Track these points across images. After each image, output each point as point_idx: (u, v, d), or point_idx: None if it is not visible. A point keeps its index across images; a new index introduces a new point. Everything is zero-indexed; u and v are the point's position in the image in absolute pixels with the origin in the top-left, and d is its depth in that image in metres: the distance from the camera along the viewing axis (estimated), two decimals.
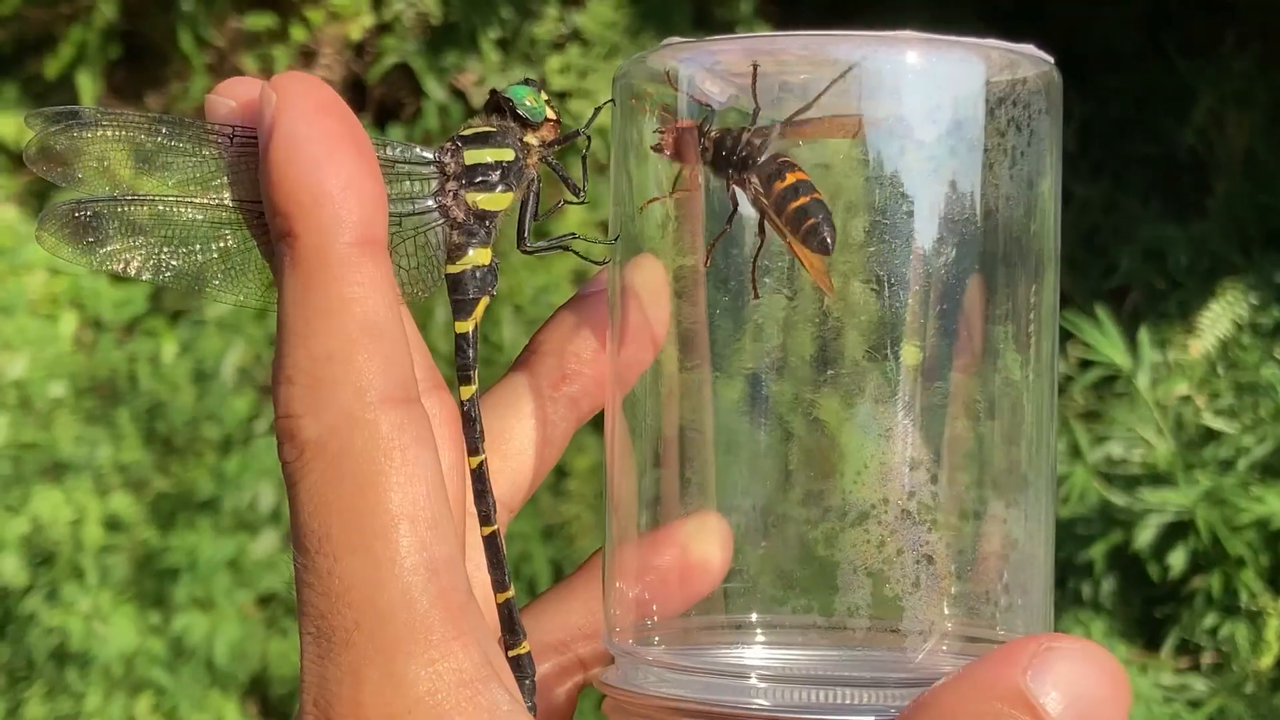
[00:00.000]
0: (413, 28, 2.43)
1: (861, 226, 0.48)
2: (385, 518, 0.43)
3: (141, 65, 2.58)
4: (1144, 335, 1.99)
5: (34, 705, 2.07)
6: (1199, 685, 1.91)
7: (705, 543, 0.50)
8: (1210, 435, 2.01)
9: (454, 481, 0.49)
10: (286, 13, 2.50)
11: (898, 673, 0.46)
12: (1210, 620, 1.93)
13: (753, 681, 0.47)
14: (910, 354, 0.47)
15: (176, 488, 2.19)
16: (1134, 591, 1.99)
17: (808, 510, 0.49)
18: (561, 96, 2.31)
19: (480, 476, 0.50)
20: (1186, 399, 2.03)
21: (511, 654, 0.50)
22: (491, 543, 0.51)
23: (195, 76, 2.49)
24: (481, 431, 0.50)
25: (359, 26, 2.42)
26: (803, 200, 0.48)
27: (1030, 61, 0.48)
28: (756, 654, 0.50)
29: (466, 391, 0.50)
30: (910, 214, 0.47)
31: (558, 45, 2.45)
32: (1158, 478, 1.95)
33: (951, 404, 0.48)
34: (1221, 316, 2.09)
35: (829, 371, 0.48)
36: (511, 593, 0.51)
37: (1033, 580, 0.49)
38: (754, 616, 0.50)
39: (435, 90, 2.39)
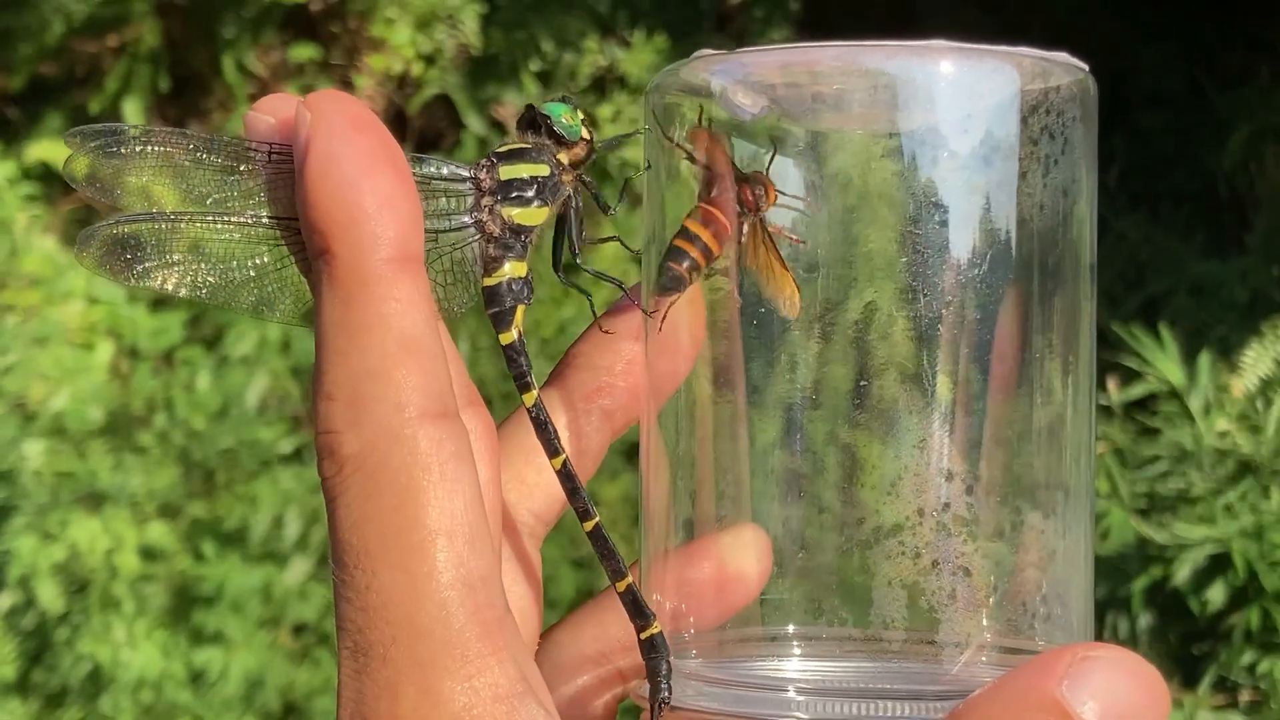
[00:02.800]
0: (454, 59, 2.45)
1: (895, 237, 0.47)
2: (423, 533, 0.43)
3: (185, 95, 2.60)
4: (1205, 357, 1.98)
5: None
6: None
7: (743, 555, 0.50)
8: (1249, 469, 2.00)
9: (491, 496, 0.49)
10: (329, 44, 2.51)
11: (935, 684, 0.46)
12: (1248, 657, 1.91)
13: (790, 694, 0.47)
14: (945, 365, 0.47)
15: (210, 515, 2.19)
16: (1172, 628, 1.98)
17: (843, 522, 0.49)
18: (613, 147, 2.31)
19: (568, 475, 0.50)
20: (1226, 434, 2.02)
21: (644, 636, 0.49)
22: (597, 536, 0.50)
23: (239, 106, 2.51)
24: (556, 432, 0.50)
25: (401, 58, 2.43)
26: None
27: (1063, 69, 0.48)
28: (793, 666, 0.50)
29: (529, 398, 0.50)
30: (944, 224, 0.47)
31: (599, 81, 2.46)
32: (1198, 511, 1.94)
33: (987, 415, 0.48)
34: (1264, 355, 2.08)
35: (863, 383, 0.48)
36: (630, 579, 0.50)
37: (1073, 591, 0.49)
38: (791, 629, 0.50)
39: (474, 122, 2.40)
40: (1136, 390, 2.06)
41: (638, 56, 2.43)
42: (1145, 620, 1.96)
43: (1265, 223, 2.32)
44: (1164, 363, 1.94)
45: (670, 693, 0.48)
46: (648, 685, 0.49)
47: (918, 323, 0.47)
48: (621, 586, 0.50)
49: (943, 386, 0.47)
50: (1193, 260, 2.29)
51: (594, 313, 0.53)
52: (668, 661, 0.49)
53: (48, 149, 2.42)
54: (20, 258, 2.34)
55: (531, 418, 0.50)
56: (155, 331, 2.32)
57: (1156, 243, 2.33)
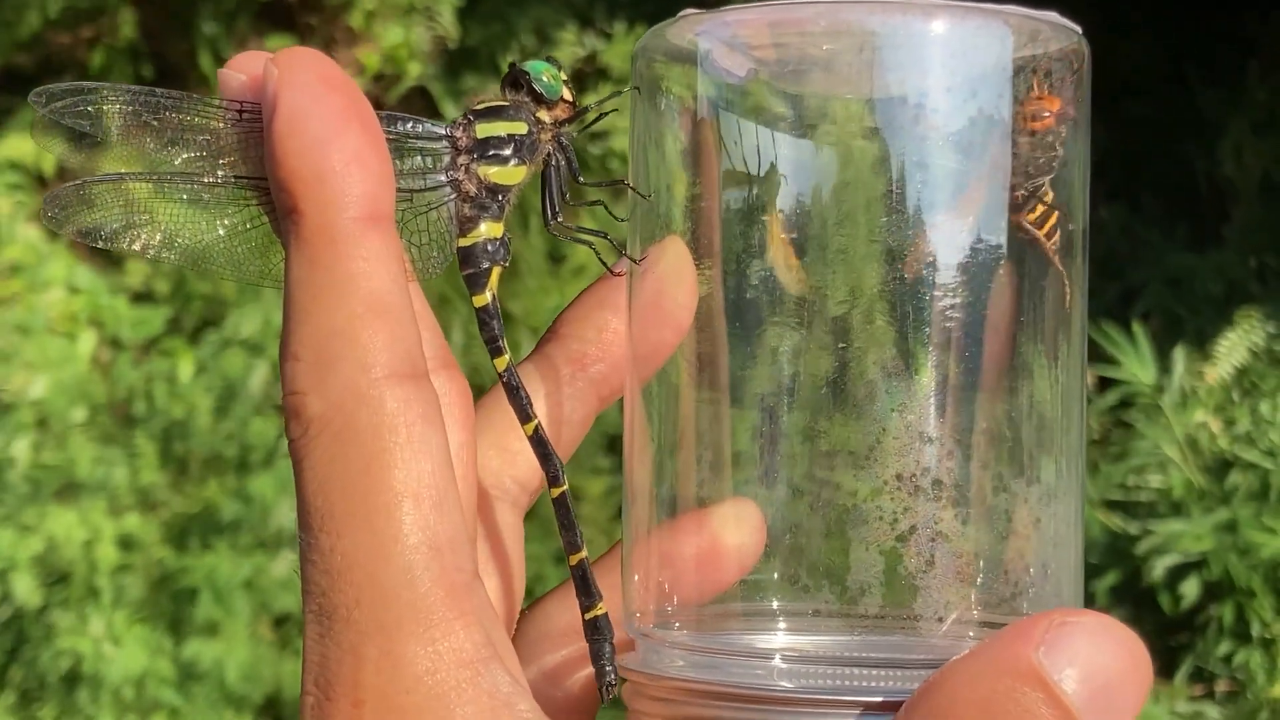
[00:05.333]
0: (430, 51, 2.44)
1: (879, 201, 0.47)
2: (388, 495, 0.43)
3: (161, 87, 2.59)
4: (1179, 353, 1.99)
5: None
6: (1213, 713, 1.90)
7: (739, 529, 0.50)
8: (1225, 464, 2.00)
9: (464, 461, 0.48)
10: (305, 35, 2.51)
11: (918, 653, 0.46)
12: (1224, 648, 1.92)
13: (775, 663, 0.47)
14: (928, 331, 0.47)
15: (192, 508, 2.18)
16: (1148, 619, 1.98)
17: (823, 489, 0.48)
18: (597, 138, 2.30)
19: (539, 440, 0.50)
20: (1202, 425, 2.02)
21: (588, 616, 0.49)
22: (561, 504, 0.50)
23: (214, 98, 2.50)
24: (528, 397, 0.50)
25: (377, 50, 2.42)
26: None
27: (1055, 31, 0.48)
28: (778, 637, 0.49)
29: (501, 362, 0.50)
30: (929, 188, 0.47)
31: (579, 74, 2.45)
32: (1173, 506, 1.94)
33: (971, 382, 0.47)
34: (1238, 345, 2.09)
35: (842, 346, 0.48)
36: (584, 553, 0.50)
37: (1060, 561, 0.48)
38: (774, 598, 0.50)
39: (452, 112, 2.40)
40: (1110, 397, 2.06)
41: (619, 48, 2.42)
42: (1120, 613, 1.97)
43: (1243, 215, 2.33)
44: (1137, 364, 1.94)
45: (616, 675, 0.48)
46: (630, 656, 0.49)
47: (901, 287, 0.47)
48: (574, 560, 0.50)
49: (924, 352, 0.47)
50: (1171, 252, 2.30)
51: (603, 263, 0.52)
52: (610, 644, 0.49)
53: (18, 145, 2.40)
54: (2, 246, 2.33)
55: (503, 382, 0.50)
56: (137, 322, 2.31)
57: (1135, 234, 2.33)
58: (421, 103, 2.47)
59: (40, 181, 2.43)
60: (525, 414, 0.50)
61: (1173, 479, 1.96)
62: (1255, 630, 1.89)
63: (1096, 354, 2.00)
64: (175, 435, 2.21)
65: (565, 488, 0.50)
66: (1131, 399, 2.07)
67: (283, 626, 2.16)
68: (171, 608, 2.10)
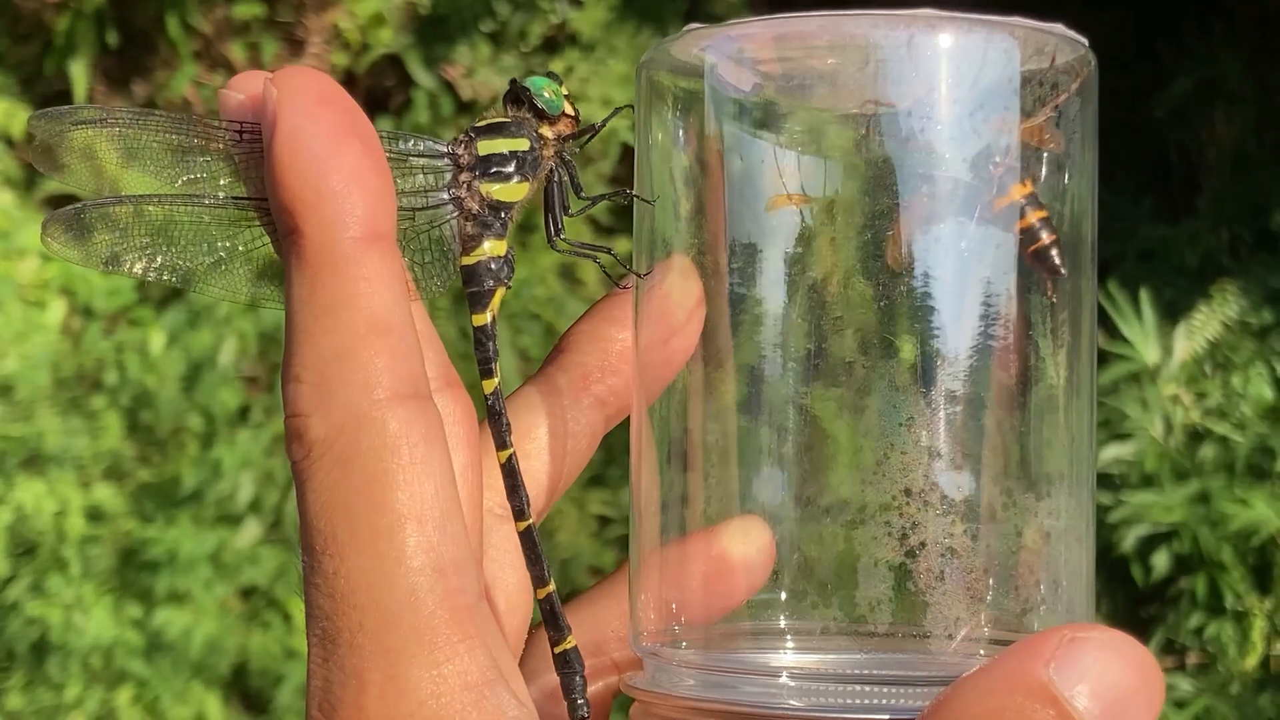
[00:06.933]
0: (402, 18, 2.43)
1: (885, 211, 0.47)
2: (391, 517, 0.42)
3: (129, 54, 2.57)
4: (1180, 330, 1.99)
5: (14, 696, 2.06)
6: (1185, 685, 1.91)
7: (747, 546, 0.49)
8: (1197, 436, 2.01)
9: (469, 481, 0.48)
10: (275, 0, 2.49)
11: (928, 671, 0.45)
12: (1196, 621, 1.93)
13: (784, 681, 0.47)
14: (935, 343, 0.46)
15: (159, 479, 2.18)
16: (1120, 591, 1.99)
17: (831, 505, 0.48)
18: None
19: (511, 471, 0.50)
20: (1174, 399, 2.03)
21: (558, 650, 0.49)
22: (527, 538, 0.50)
23: (182, 64, 2.48)
24: (509, 425, 0.50)
25: (348, 16, 2.41)
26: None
27: (1062, 43, 0.47)
28: (786, 655, 0.49)
29: (489, 385, 0.50)
30: (934, 198, 0.46)
31: (551, 41, 2.44)
32: (1145, 478, 1.95)
33: (979, 395, 0.47)
34: (1211, 318, 2.09)
35: (849, 361, 0.48)
36: (552, 587, 0.50)
37: (1071, 575, 0.48)
38: (782, 616, 0.49)
39: (424, 78, 2.39)
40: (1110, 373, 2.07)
41: (590, 14, 2.41)
42: None
43: (1215, 187, 2.33)
44: (1142, 339, 1.94)
45: (589, 709, 0.48)
46: (638, 675, 0.49)
47: (907, 299, 0.47)
48: (542, 594, 0.50)
49: (932, 366, 0.47)
50: (1143, 224, 2.30)
51: (608, 275, 0.52)
52: (581, 677, 0.49)
53: None
54: None
55: (487, 406, 0.50)
56: (109, 291, 2.29)
57: (1107, 207, 2.33)
58: (394, 72, 2.46)
59: (8, 143, 2.41)
60: (502, 441, 0.50)
61: (1145, 454, 1.96)
62: (1228, 602, 1.90)
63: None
64: (142, 405, 2.20)
65: (530, 521, 0.50)
66: (1104, 369, 2.07)
67: (250, 598, 2.16)
68: (137, 578, 2.10)
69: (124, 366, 2.22)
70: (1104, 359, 2.08)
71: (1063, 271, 0.48)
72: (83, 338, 2.28)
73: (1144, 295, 1.99)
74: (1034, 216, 0.47)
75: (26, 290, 2.27)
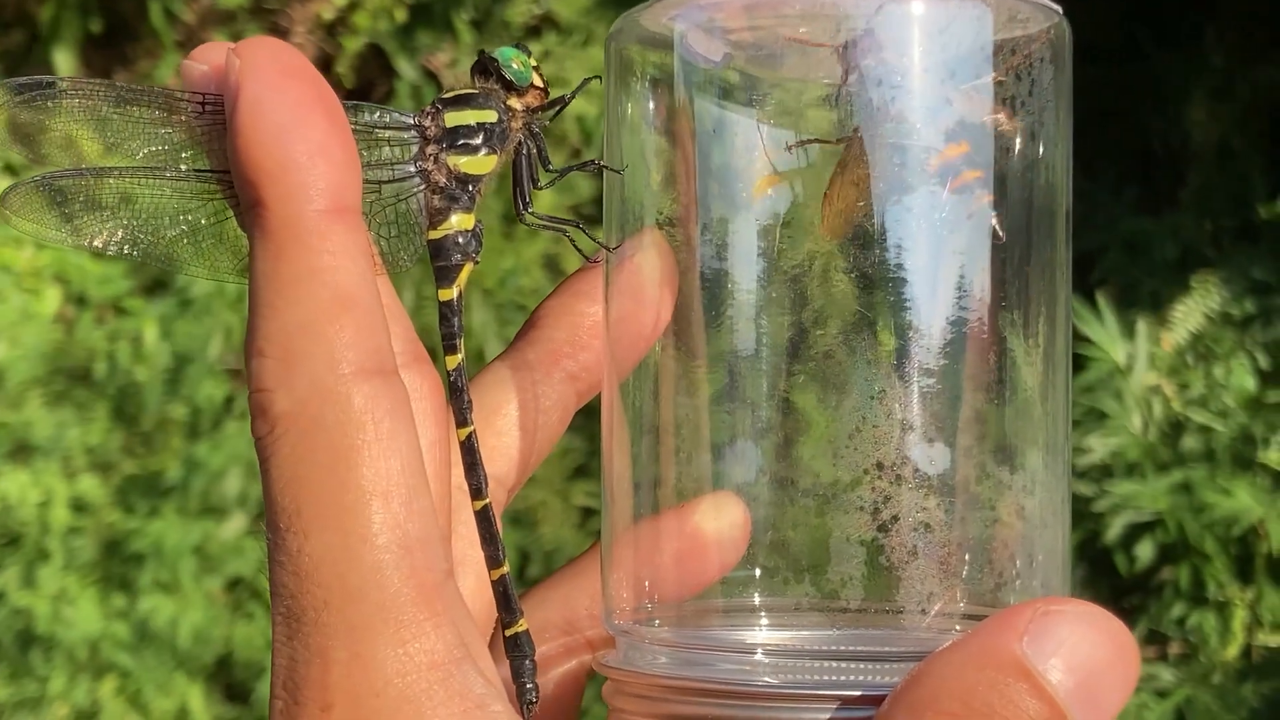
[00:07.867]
0: (384, 7, 2.42)
1: (857, 181, 0.47)
2: (356, 493, 0.42)
3: (112, 43, 2.56)
4: (1141, 328, 1.99)
5: None
6: (1166, 675, 1.91)
7: (720, 523, 0.49)
8: (1180, 427, 2.01)
9: (437, 458, 0.48)
10: None
11: (901, 646, 0.45)
12: (1178, 611, 1.93)
13: (757, 658, 0.47)
14: (907, 315, 0.46)
15: (143, 471, 2.17)
16: (1102, 581, 1.99)
17: (804, 481, 0.48)
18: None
19: (470, 449, 0.49)
20: (1156, 389, 2.03)
21: (509, 632, 0.49)
22: (483, 517, 0.49)
23: (166, 54, 2.47)
24: (470, 402, 0.49)
25: (331, 6, 2.40)
26: None
27: (1035, 10, 0.47)
28: (760, 631, 0.49)
29: (452, 361, 0.49)
30: (906, 171, 0.46)
31: (532, 28, 2.44)
32: (1129, 468, 1.95)
33: (952, 367, 0.47)
34: (1194, 309, 2.09)
35: (820, 333, 0.47)
36: (506, 569, 0.49)
37: (1046, 550, 0.48)
38: (756, 593, 0.49)
39: (407, 70, 2.38)
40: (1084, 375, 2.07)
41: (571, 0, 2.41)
42: (1075, 574, 1.98)
43: (1198, 179, 2.33)
44: (1107, 340, 1.94)
45: (537, 693, 0.48)
46: (611, 654, 0.48)
47: (878, 271, 0.46)
48: (495, 575, 0.49)
49: (904, 338, 0.46)
50: (1126, 217, 2.30)
51: (579, 250, 0.52)
52: (532, 660, 0.49)
53: None
54: None
55: (448, 382, 0.49)
56: (103, 280, 2.28)
57: (1090, 199, 2.33)
58: (375, 61, 2.45)
59: None
60: (463, 418, 0.49)
61: (1128, 445, 1.96)
62: (1210, 592, 1.90)
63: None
64: (129, 396, 2.19)
65: (488, 501, 0.50)
66: (1089, 365, 2.07)
67: (235, 590, 2.16)
68: (122, 570, 2.09)
69: (114, 357, 2.21)
70: (1078, 362, 2.08)
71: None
72: (75, 327, 2.27)
73: (1100, 298, 1.98)
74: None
75: (21, 278, 2.26)
